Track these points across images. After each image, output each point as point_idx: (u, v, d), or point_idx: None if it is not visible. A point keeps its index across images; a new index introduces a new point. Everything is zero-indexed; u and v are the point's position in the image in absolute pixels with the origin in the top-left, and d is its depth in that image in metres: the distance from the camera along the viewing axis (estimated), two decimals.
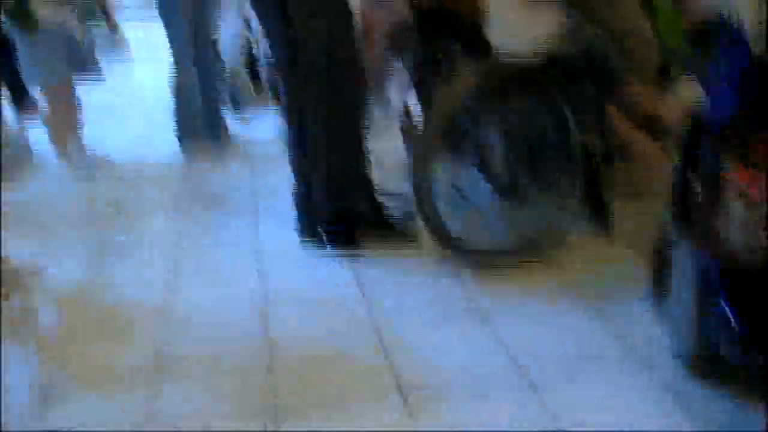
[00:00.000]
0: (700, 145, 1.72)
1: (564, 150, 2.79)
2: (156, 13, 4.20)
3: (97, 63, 4.47)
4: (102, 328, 2.54)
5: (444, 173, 2.80)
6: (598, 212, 2.86)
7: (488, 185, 2.81)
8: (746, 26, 1.63)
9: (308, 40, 2.65)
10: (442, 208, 2.73)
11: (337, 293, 2.68)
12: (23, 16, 3.82)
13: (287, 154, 3.04)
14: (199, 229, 3.36)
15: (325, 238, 2.93)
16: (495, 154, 2.77)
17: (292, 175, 3.03)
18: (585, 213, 2.86)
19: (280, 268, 2.90)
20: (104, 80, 4.65)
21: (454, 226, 2.75)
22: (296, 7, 2.64)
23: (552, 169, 2.83)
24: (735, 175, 1.62)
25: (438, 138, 2.62)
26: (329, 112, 2.75)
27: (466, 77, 2.62)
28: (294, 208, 3.04)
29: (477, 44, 2.72)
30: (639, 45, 3.07)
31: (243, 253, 3.06)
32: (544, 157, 2.81)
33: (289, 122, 2.94)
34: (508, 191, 2.81)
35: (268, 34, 2.96)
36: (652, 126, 2.99)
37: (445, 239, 2.73)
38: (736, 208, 1.62)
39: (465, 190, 2.85)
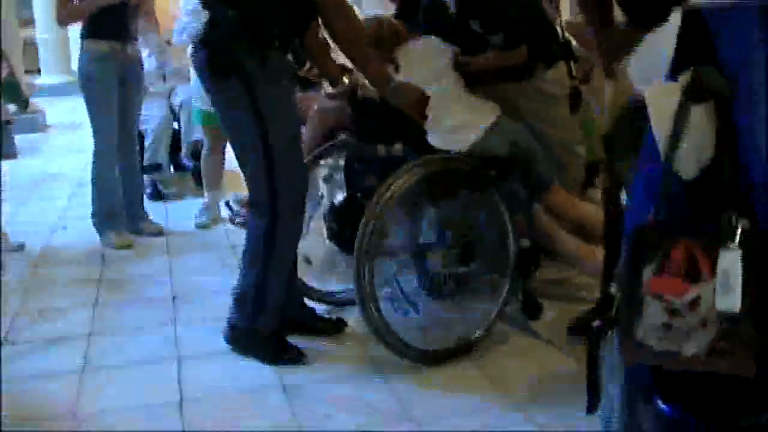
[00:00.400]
0: (621, 251, 1.79)
1: (499, 247, 2.88)
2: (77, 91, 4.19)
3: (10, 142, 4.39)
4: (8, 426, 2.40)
5: (385, 270, 2.82)
6: (530, 310, 2.95)
7: (424, 283, 2.85)
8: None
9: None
10: (383, 305, 2.73)
11: (258, 393, 2.59)
12: None
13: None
14: (114, 321, 3.25)
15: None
16: (432, 252, 2.82)
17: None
18: (517, 310, 2.93)
19: (198, 362, 2.82)
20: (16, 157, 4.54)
21: (395, 324, 2.74)
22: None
23: (487, 266, 2.91)
24: (651, 280, 1.67)
25: (377, 235, 2.64)
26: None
27: (406, 175, 2.68)
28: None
29: (418, 144, 2.81)
30: (567, 155, 3.23)
31: (159, 346, 2.97)
32: (480, 255, 2.89)
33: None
34: (443, 289, 2.86)
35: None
36: (580, 230, 3.10)
37: (385, 337, 2.70)
38: (652, 312, 1.67)
39: (403, 288, 2.87)
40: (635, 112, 1.99)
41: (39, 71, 11.33)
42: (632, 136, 1.99)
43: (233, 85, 2.56)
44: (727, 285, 1.54)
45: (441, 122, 2.84)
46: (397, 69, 2.96)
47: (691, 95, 1.64)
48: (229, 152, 4.71)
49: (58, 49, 11.44)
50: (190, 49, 4.50)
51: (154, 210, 4.78)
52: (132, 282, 3.75)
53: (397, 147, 2.88)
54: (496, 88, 3.11)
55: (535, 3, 3.27)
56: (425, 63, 3.02)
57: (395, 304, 2.89)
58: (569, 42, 3.38)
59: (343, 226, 3.00)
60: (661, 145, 1.70)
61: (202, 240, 4.41)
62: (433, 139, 2.84)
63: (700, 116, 1.65)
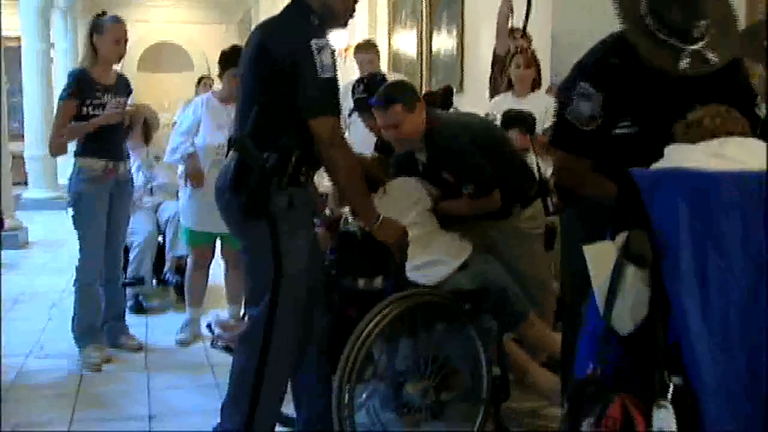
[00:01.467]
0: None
1: (473, 378, 2.94)
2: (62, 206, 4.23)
3: None
4: None
5: (361, 398, 2.86)
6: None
7: (399, 411, 2.88)
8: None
9: None
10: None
11: None
12: None
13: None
14: None
15: None
16: (409, 381, 2.85)
17: None
18: None
19: None
20: None
21: None
22: None
23: (462, 395, 2.98)
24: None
25: (359, 364, 2.69)
26: None
27: (388, 308, 2.75)
28: None
29: (397, 278, 2.88)
30: (541, 291, 3.33)
31: None
32: (455, 384, 2.96)
33: None
34: (419, 417, 2.88)
35: None
36: (554, 362, 3.15)
37: None
38: None
39: (378, 415, 2.91)
40: None
41: (26, 183, 11.46)
42: None
43: (261, 227, 2.59)
44: None
45: (415, 258, 2.94)
46: None
47: (628, 256, 1.76)
48: (214, 268, 4.85)
49: (46, 164, 11.59)
50: (180, 169, 4.65)
51: (135, 323, 4.78)
52: (110, 398, 3.73)
53: (378, 281, 2.92)
54: (473, 225, 3.25)
55: (506, 149, 3.45)
56: (403, 200, 3.17)
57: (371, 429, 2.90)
58: (544, 179, 3.53)
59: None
60: (599, 301, 1.81)
61: (182, 358, 4.40)
62: (409, 274, 2.94)
63: (634, 276, 1.76)
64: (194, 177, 4.43)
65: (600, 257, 1.82)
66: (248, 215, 2.60)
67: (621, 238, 1.80)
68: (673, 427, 1.61)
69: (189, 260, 4.84)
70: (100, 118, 4.11)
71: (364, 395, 2.91)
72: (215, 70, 4.84)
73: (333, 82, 2.57)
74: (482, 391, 2.92)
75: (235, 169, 2.59)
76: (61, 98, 4.18)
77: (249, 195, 2.56)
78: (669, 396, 1.65)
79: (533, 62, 4.78)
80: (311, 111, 2.55)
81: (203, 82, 9.34)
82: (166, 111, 10.93)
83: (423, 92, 5.26)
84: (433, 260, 3.05)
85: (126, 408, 3.60)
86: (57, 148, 4.29)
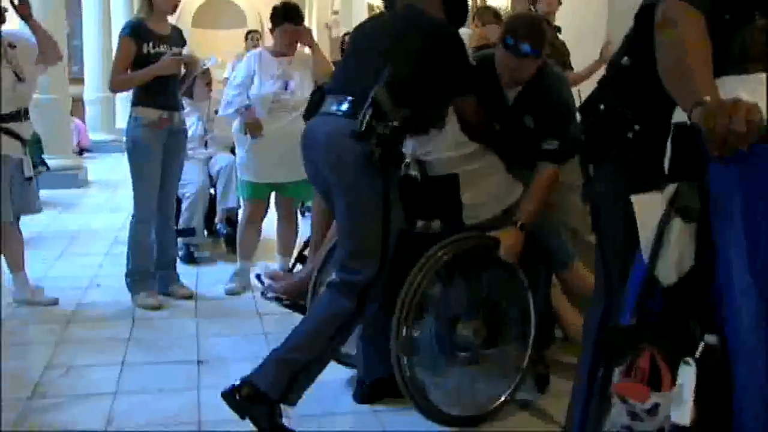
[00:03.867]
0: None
1: (522, 321, 3.02)
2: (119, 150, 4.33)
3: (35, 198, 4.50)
4: None
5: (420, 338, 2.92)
6: (540, 382, 3.16)
7: (454, 350, 2.94)
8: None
9: None
10: (419, 372, 2.84)
11: None
12: None
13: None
14: (139, 381, 3.31)
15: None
16: (463, 322, 2.92)
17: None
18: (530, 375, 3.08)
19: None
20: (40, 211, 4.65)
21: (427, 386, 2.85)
22: None
23: (511, 338, 3.03)
24: (619, 383, 1.74)
25: (416, 302, 2.78)
26: None
27: (445, 249, 2.84)
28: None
29: (454, 221, 2.96)
30: (577, 242, 3.31)
31: (181, 410, 3.02)
32: (505, 326, 3.01)
33: None
34: (470, 357, 2.95)
35: None
36: None
37: (415, 397, 2.81)
38: (616, 413, 1.74)
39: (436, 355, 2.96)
40: None
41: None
42: None
43: (375, 178, 2.66)
44: (681, 399, 1.60)
45: (468, 197, 2.99)
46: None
47: (675, 209, 1.75)
48: (266, 222, 4.91)
49: (105, 108, 11.85)
50: (236, 123, 4.70)
51: (185, 273, 4.87)
52: (159, 343, 3.82)
53: (435, 224, 3.01)
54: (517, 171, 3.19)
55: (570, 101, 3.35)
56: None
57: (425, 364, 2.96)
58: None
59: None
60: (645, 251, 1.80)
61: (231, 306, 4.47)
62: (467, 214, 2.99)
63: (680, 228, 1.74)
64: (253, 127, 4.46)
65: (648, 207, 1.81)
66: (375, 163, 2.61)
67: (670, 189, 1.77)
68: (693, 386, 1.59)
69: (242, 213, 4.91)
70: (155, 67, 4.15)
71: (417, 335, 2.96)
72: (268, 26, 4.86)
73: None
74: (530, 335, 3.00)
75: (367, 116, 2.60)
76: (120, 36, 4.25)
77: (383, 144, 2.59)
78: (697, 354, 1.63)
79: None
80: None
81: (251, 36, 9.38)
82: (219, 67, 11.01)
83: None
84: (483, 201, 3.03)
85: (175, 353, 3.68)
86: (118, 84, 4.36)
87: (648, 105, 1.99)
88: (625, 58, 2.12)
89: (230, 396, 2.66)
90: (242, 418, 2.66)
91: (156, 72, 4.15)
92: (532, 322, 3.02)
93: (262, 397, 2.64)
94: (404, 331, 2.74)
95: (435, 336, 2.98)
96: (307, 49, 4.77)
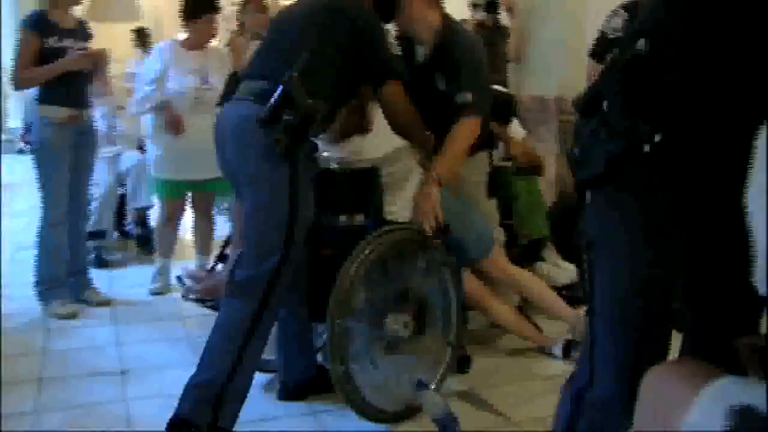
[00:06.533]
0: None
1: (444, 310, 3.03)
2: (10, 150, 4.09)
3: None
4: None
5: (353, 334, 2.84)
6: (460, 363, 3.22)
7: (384, 344, 2.89)
8: None
9: None
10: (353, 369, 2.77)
11: None
12: None
13: None
14: (61, 397, 3.11)
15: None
16: (390, 315, 2.87)
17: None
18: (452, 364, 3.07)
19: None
20: None
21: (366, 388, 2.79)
22: None
23: (436, 328, 3.02)
24: None
25: (349, 298, 2.72)
26: None
27: (374, 243, 2.79)
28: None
29: (377, 215, 2.93)
30: None
31: (110, 424, 2.87)
32: (430, 317, 2.99)
33: None
34: (399, 350, 2.90)
35: None
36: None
37: (350, 395, 2.75)
38: None
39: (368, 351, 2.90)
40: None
41: None
42: None
43: (282, 169, 2.53)
44: None
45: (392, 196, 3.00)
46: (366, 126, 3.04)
47: None
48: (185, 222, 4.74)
49: None
50: (150, 117, 4.51)
51: (97, 278, 4.62)
52: (79, 354, 3.61)
53: (359, 218, 2.95)
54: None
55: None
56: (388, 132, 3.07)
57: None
58: (492, 133, 3.49)
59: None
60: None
61: (151, 311, 4.29)
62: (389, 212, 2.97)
63: None
64: (175, 124, 4.31)
65: None
66: (280, 153, 2.49)
67: None
68: None
69: (159, 213, 4.74)
70: (63, 62, 3.92)
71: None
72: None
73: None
74: (452, 324, 3.02)
75: (276, 103, 2.47)
76: (21, 30, 3.98)
77: (291, 132, 2.47)
78: None
79: None
80: (386, 76, 2.77)
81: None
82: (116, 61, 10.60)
83: None
84: (402, 206, 3.02)
85: (97, 364, 3.49)
86: (24, 81, 4.04)
87: (675, 107, 1.52)
88: (641, 41, 1.55)
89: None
90: None
91: (63, 67, 3.92)
92: (453, 312, 3.04)
93: (196, 428, 2.50)
94: (337, 327, 2.68)
95: (366, 331, 2.91)
96: (216, 42, 4.64)
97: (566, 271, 3.98)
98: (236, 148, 2.64)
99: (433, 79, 3.12)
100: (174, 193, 4.58)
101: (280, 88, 2.47)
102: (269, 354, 3.03)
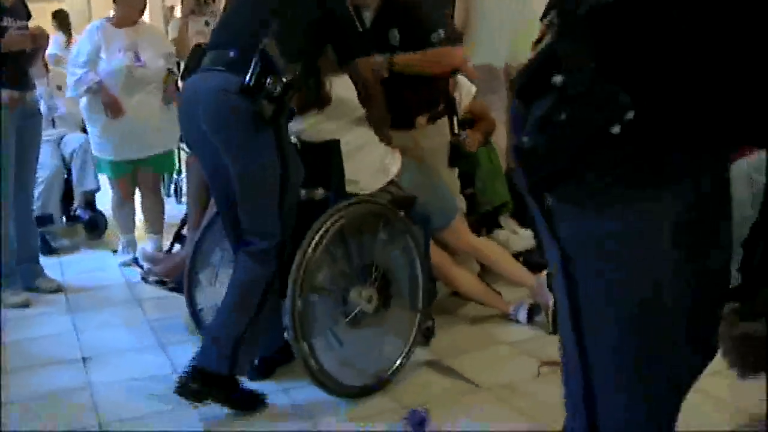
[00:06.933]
0: None
1: (411, 283, 3.05)
2: None
3: None
4: None
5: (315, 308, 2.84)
6: (428, 329, 3.22)
7: (348, 318, 2.89)
8: None
9: None
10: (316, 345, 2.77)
11: None
12: None
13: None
14: (25, 388, 3.03)
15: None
16: (354, 289, 2.88)
17: None
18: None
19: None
20: None
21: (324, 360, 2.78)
22: None
23: (402, 300, 3.05)
24: None
25: (309, 273, 2.71)
26: None
27: (334, 217, 2.79)
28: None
29: (338, 189, 2.91)
30: None
31: (78, 414, 2.81)
32: (396, 290, 3.02)
33: None
34: (364, 323, 2.91)
35: None
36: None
37: (314, 372, 2.75)
38: None
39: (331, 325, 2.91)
40: None
41: None
42: None
43: (268, 135, 2.57)
44: None
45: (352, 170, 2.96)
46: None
47: None
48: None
49: None
50: (84, 101, 4.43)
51: (47, 265, 4.51)
52: (37, 343, 3.53)
53: (319, 191, 2.93)
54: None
55: None
56: (342, 107, 3.05)
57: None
58: (453, 99, 3.51)
59: None
60: None
61: (105, 295, 4.21)
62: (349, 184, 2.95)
63: None
64: (112, 107, 4.30)
65: None
66: (265, 121, 2.52)
67: None
68: None
69: (112, 193, 4.71)
70: (4, 42, 3.77)
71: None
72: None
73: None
74: (418, 297, 3.05)
75: (256, 69, 2.48)
76: None
77: (275, 100, 2.49)
78: None
79: None
80: (356, 53, 2.81)
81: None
82: None
83: None
84: (364, 176, 3.01)
85: (57, 352, 3.41)
86: None
87: (650, 74, 1.17)
88: None
89: (183, 388, 2.64)
90: (200, 402, 2.66)
91: (4, 48, 3.77)
92: (419, 284, 3.06)
93: (214, 377, 2.64)
94: (300, 303, 2.67)
95: (329, 305, 2.93)
96: (146, 18, 4.62)
97: (523, 238, 4.02)
98: (216, 119, 2.62)
99: (386, 38, 3.13)
100: (120, 172, 4.59)
101: (258, 54, 2.47)
102: None
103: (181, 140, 4.46)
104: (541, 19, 1.32)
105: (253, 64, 2.47)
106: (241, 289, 2.69)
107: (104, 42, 4.34)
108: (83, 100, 4.49)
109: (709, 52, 1.15)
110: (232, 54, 2.60)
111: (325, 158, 2.94)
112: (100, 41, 4.34)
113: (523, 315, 3.48)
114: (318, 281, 2.83)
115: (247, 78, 2.47)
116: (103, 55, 4.33)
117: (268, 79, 2.47)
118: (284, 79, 2.49)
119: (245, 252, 2.70)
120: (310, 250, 2.71)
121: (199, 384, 2.63)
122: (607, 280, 1.25)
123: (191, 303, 3.25)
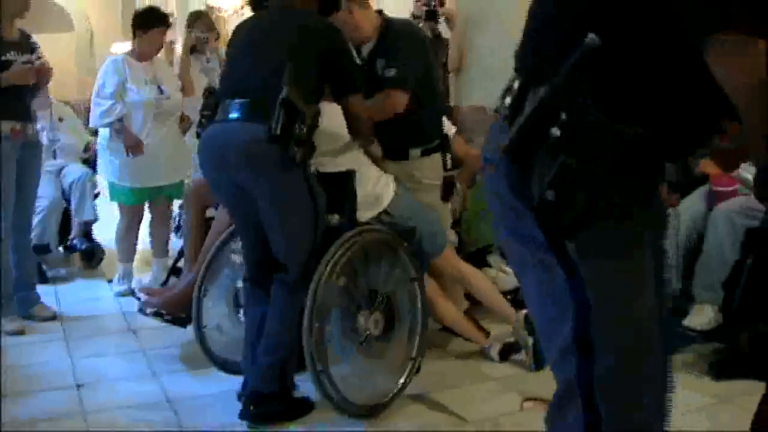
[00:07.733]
0: None
1: (411, 308, 3.20)
2: None
3: None
4: None
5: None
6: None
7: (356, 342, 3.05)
8: None
9: None
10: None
11: None
12: None
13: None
14: (21, 415, 3.07)
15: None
16: (362, 313, 3.05)
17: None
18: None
19: None
20: None
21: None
22: None
23: (404, 326, 3.19)
24: None
25: (326, 298, 2.91)
26: None
27: (348, 244, 2.98)
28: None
29: (351, 216, 3.07)
30: None
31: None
32: (399, 315, 3.17)
33: None
34: (370, 347, 3.07)
35: None
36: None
37: (329, 393, 2.90)
38: None
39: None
40: None
41: None
42: None
43: (296, 174, 2.79)
44: None
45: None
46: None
47: None
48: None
49: None
50: (105, 132, 4.60)
51: (42, 293, 4.55)
52: (32, 371, 3.58)
53: (334, 218, 3.07)
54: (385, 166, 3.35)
55: (435, 84, 3.62)
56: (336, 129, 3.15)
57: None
58: (447, 136, 3.61)
59: None
60: None
61: (100, 325, 4.27)
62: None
63: None
64: (135, 148, 4.52)
65: None
66: (297, 162, 2.73)
67: None
68: None
69: (121, 219, 4.83)
70: (8, 76, 3.88)
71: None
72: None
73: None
74: (418, 324, 3.18)
75: (280, 119, 2.65)
76: None
77: (303, 143, 2.71)
78: None
79: None
80: (351, 89, 2.97)
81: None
82: None
83: None
84: (364, 201, 3.14)
85: (52, 380, 3.46)
86: None
87: (644, 107, 1.29)
88: (591, 35, 1.26)
89: (247, 413, 2.93)
90: (265, 424, 2.93)
91: (7, 81, 3.88)
92: (419, 311, 3.18)
93: (270, 396, 2.94)
94: (315, 326, 2.85)
95: (339, 329, 3.08)
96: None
97: (511, 277, 4.09)
98: (251, 169, 2.80)
99: (374, 65, 3.30)
100: (137, 199, 4.75)
101: (281, 101, 2.63)
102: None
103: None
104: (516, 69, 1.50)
105: (277, 112, 2.64)
106: (281, 316, 2.93)
107: (129, 75, 4.53)
108: (104, 130, 4.66)
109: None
110: (251, 103, 2.78)
111: (340, 186, 3.08)
112: (126, 74, 4.52)
113: (494, 352, 3.54)
114: (332, 307, 3.00)
115: (274, 125, 2.64)
116: (130, 86, 4.52)
117: (296, 126, 2.66)
118: (309, 122, 2.68)
119: (281, 282, 2.91)
120: (326, 274, 2.89)
121: (261, 407, 2.91)
122: (616, 305, 1.38)
123: (198, 322, 3.35)
